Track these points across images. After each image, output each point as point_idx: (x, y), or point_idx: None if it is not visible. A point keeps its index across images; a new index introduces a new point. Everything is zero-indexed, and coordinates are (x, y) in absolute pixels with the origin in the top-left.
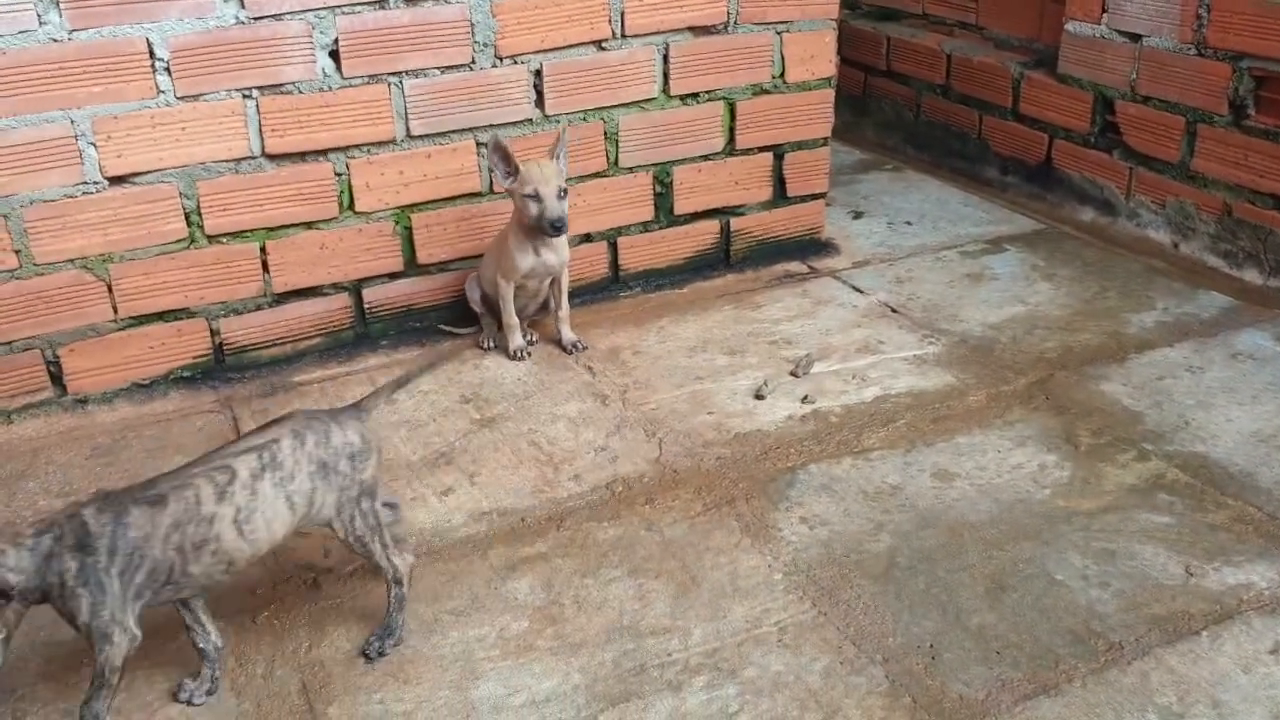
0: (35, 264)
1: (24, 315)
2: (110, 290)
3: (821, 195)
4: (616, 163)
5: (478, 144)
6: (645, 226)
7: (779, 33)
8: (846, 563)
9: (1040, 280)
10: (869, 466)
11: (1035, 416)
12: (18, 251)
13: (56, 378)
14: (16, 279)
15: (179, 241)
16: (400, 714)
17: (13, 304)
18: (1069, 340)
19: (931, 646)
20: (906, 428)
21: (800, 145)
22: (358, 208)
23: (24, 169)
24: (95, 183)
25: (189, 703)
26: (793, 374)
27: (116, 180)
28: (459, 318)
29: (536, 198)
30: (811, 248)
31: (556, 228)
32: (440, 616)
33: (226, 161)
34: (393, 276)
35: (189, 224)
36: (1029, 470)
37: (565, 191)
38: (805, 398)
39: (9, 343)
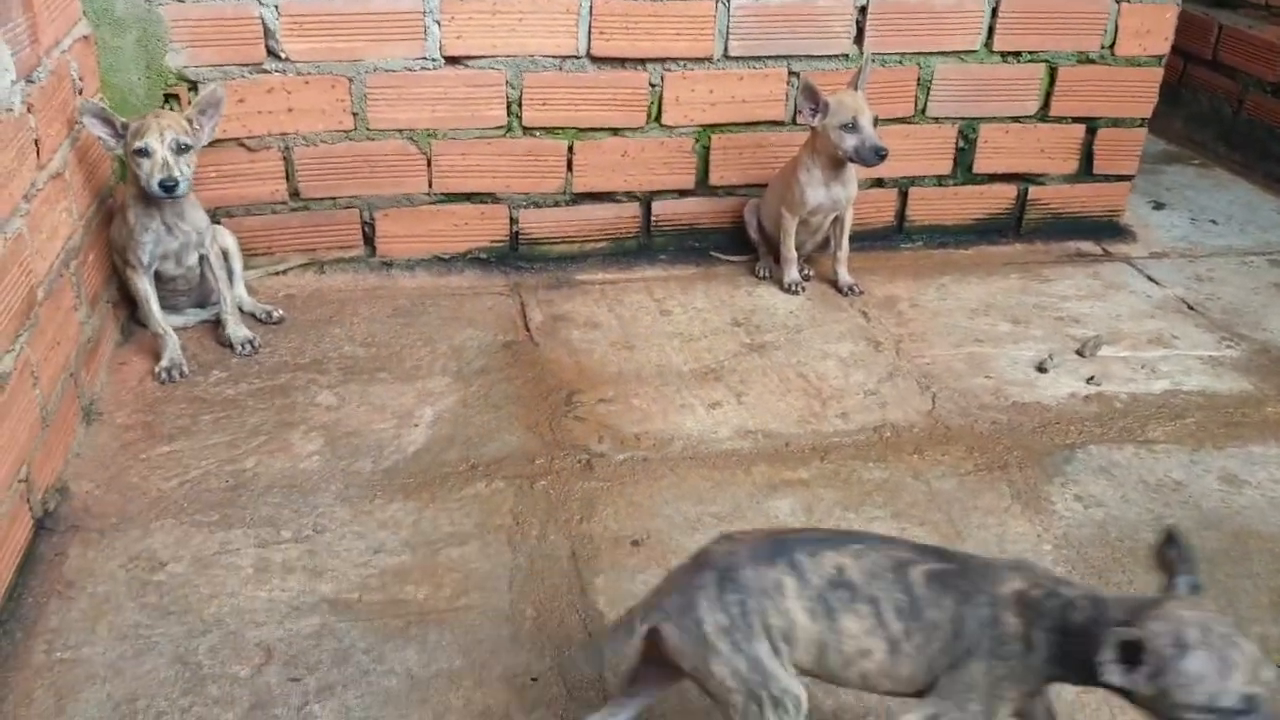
0: (368, 129)
1: (350, 175)
2: (429, 164)
3: (1129, 177)
4: (924, 111)
5: (790, 73)
6: (940, 180)
7: (1118, 1)
8: (1120, 547)
9: None
10: (1152, 458)
11: None
12: (355, 115)
13: (369, 239)
14: (350, 140)
15: (498, 128)
16: None
17: (343, 163)
18: None
19: None
20: (1195, 426)
21: (1116, 122)
22: (664, 121)
23: (375, 38)
24: (433, 60)
25: None
26: (1078, 353)
27: (452, 60)
28: (732, 244)
29: (853, 127)
30: (1108, 230)
31: (880, 155)
32: (703, 518)
33: (553, 58)
34: (682, 194)
35: (509, 113)
36: None
37: (877, 121)
38: (1091, 378)
39: (334, 198)
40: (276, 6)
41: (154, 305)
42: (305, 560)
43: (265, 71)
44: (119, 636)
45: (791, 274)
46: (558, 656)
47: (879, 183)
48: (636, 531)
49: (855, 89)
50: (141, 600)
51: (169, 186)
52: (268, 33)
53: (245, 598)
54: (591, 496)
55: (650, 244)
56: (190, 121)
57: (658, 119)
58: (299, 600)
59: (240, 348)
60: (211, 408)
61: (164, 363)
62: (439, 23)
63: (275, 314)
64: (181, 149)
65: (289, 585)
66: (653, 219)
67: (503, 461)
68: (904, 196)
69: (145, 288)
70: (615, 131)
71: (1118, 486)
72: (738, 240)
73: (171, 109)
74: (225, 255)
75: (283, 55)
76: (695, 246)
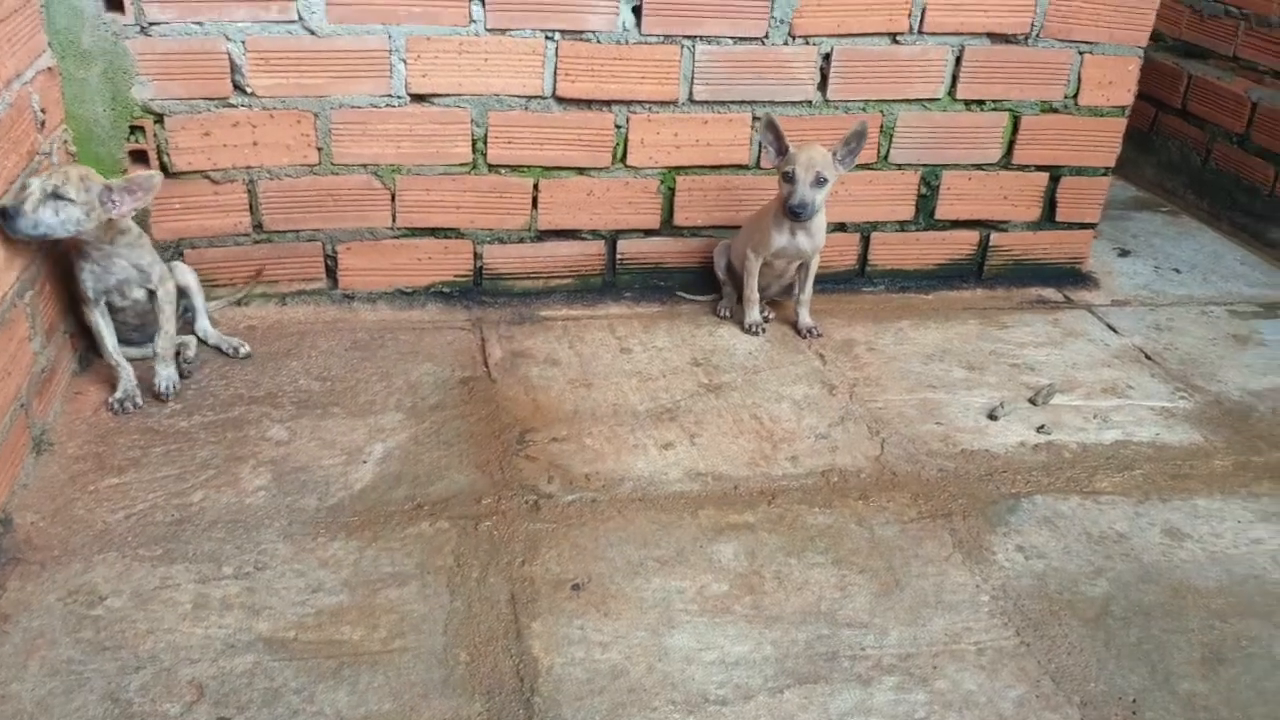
0: (333, 164)
1: (314, 209)
2: (393, 199)
3: (1092, 225)
4: (886, 157)
5: (754, 118)
6: (902, 226)
7: (1081, 52)
8: (1059, 600)
9: None
10: (1097, 509)
11: None
12: (320, 149)
13: (331, 271)
14: (314, 174)
15: (462, 165)
16: (598, 643)
17: (306, 197)
18: None
19: (1134, 701)
20: (1143, 478)
21: (1080, 171)
22: (629, 161)
23: (341, 74)
24: (399, 97)
25: None
26: (1031, 401)
27: (417, 98)
28: (698, 283)
29: (790, 178)
30: (1070, 277)
31: (795, 211)
32: (646, 561)
33: (519, 97)
34: (647, 233)
35: (474, 150)
36: (1270, 548)
37: (825, 181)
38: (1041, 427)
39: (297, 231)
40: (243, 42)
41: (106, 337)
42: (244, 597)
43: (231, 106)
44: (50, 672)
45: (752, 315)
46: (488, 702)
47: (841, 227)
48: (578, 575)
49: (834, 152)
50: (77, 635)
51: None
52: (234, 68)
53: (182, 634)
54: (536, 538)
55: (615, 282)
56: (110, 189)
57: (623, 160)
58: (235, 638)
59: (163, 388)
60: (163, 440)
61: (118, 394)
62: (405, 61)
63: (242, 350)
64: (54, 196)
65: (226, 622)
66: (618, 257)
67: (449, 501)
68: (866, 241)
69: (96, 319)
70: (581, 171)
71: (1060, 538)
72: (704, 280)
73: (136, 141)
74: (185, 292)
75: (249, 90)
76: (660, 285)
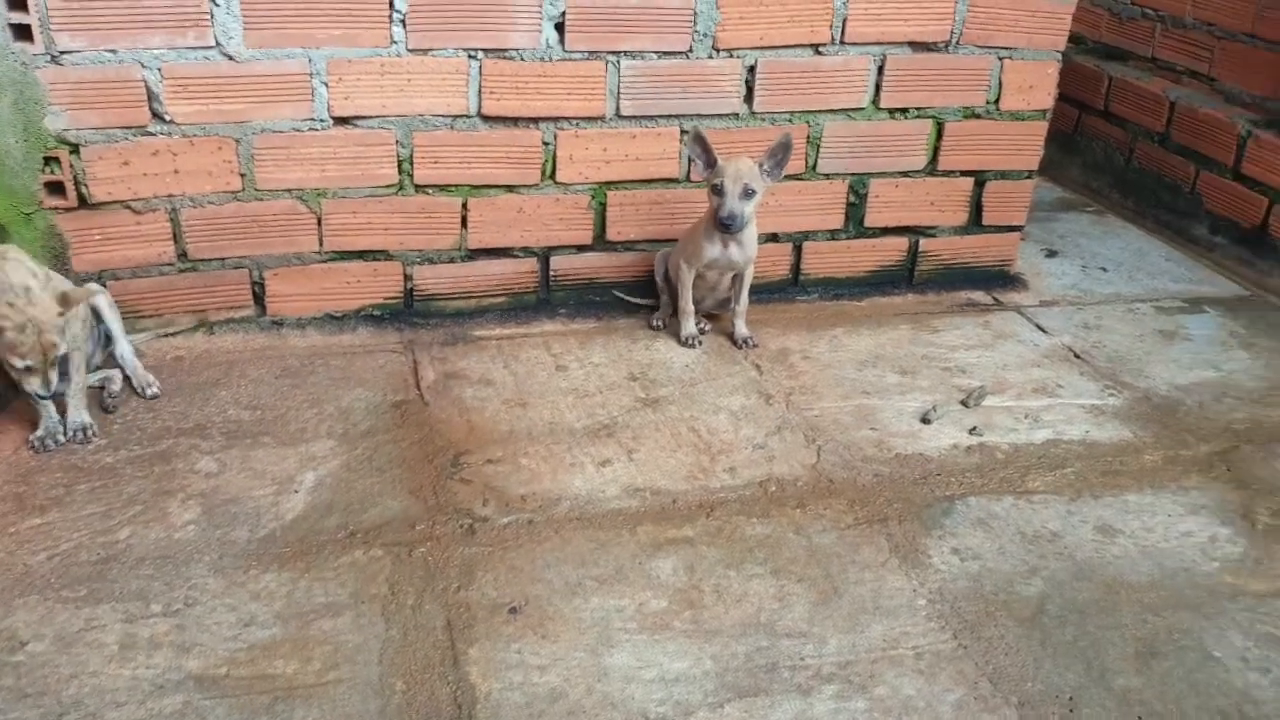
0: (256, 189)
1: (239, 236)
2: (319, 223)
3: (1018, 228)
4: (815, 167)
5: (681, 131)
6: (833, 234)
7: (1001, 58)
8: (994, 600)
9: (1238, 348)
10: (1030, 509)
11: (1213, 486)
12: (243, 175)
13: (259, 298)
14: (238, 200)
15: (389, 186)
16: (536, 667)
17: (231, 224)
18: (1260, 414)
19: (1071, 699)
20: (1074, 476)
21: (1004, 175)
22: (558, 178)
23: (261, 99)
24: (321, 120)
25: None
26: (963, 403)
27: (341, 121)
28: (636, 293)
29: (719, 191)
30: (999, 280)
31: (724, 223)
32: (584, 581)
33: (444, 117)
34: (580, 249)
35: (400, 171)
36: (1198, 540)
37: (753, 193)
38: (973, 429)
39: (223, 259)
40: (160, 69)
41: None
42: (174, 635)
43: (150, 134)
44: None
45: (688, 327)
46: None
47: (774, 237)
48: (516, 598)
49: (761, 164)
50: None
51: None
52: (151, 95)
53: (108, 676)
54: (471, 563)
55: (549, 299)
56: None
57: (553, 176)
58: (164, 678)
59: (70, 434)
60: (88, 476)
61: (39, 431)
62: (326, 84)
63: (149, 390)
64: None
65: (155, 662)
66: (551, 274)
67: (383, 528)
68: (799, 250)
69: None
70: (510, 188)
71: (995, 538)
72: (642, 291)
73: (52, 172)
74: (98, 315)
75: (168, 118)
76: (595, 301)
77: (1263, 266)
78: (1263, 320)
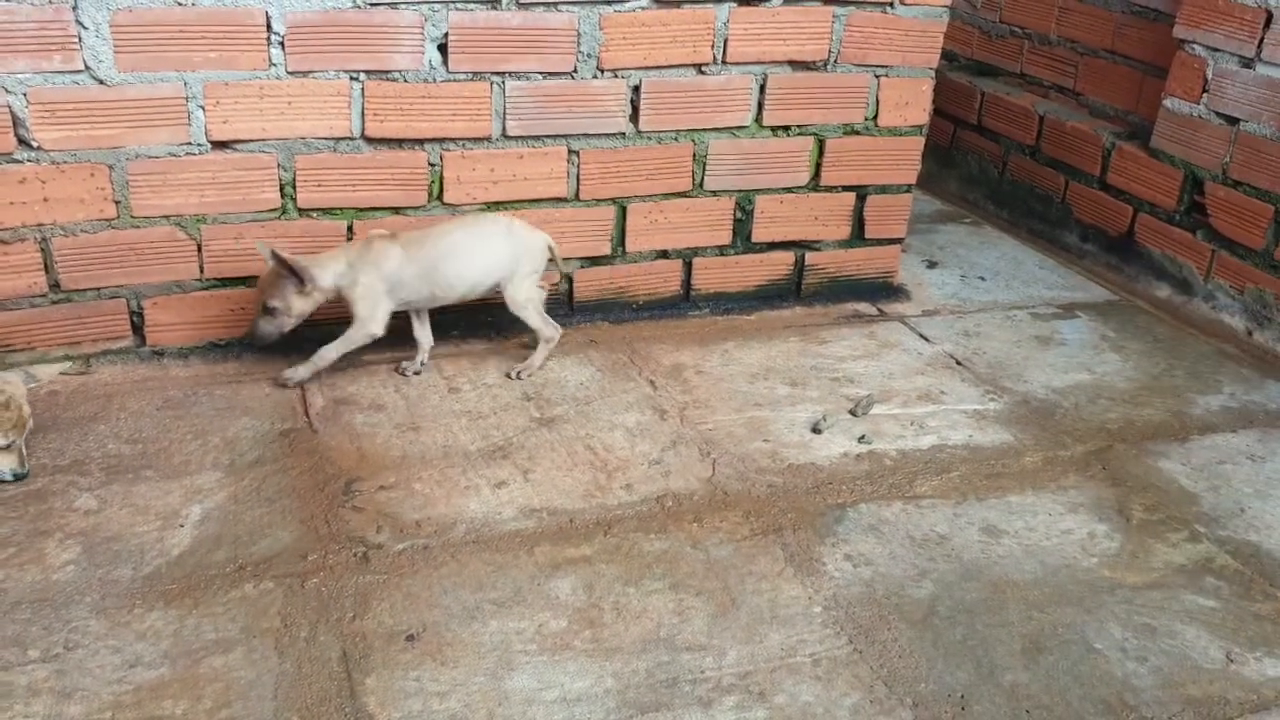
0: (132, 216)
1: (116, 264)
2: (200, 250)
3: (899, 240)
4: (701, 185)
5: (570, 151)
6: (721, 250)
7: (877, 76)
8: (887, 604)
9: (1109, 351)
10: (919, 513)
11: (1090, 485)
12: (118, 203)
13: (138, 328)
14: (113, 228)
15: (271, 211)
16: (435, 694)
17: (106, 252)
18: (1132, 414)
19: (963, 697)
20: (960, 480)
21: (884, 189)
22: (446, 199)
23: (135, 124)
24: (199, 145)
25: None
26: (851, 413)
27: (219, 145)
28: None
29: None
30: (883, 291)
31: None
32: (482, 605)
33: (326, 139)
34: None
35: (283, 195)
36: (1078, 537)
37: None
38: (862, 437)
39: (99, 289)
40: (25, 94)
41: None
42: (53, 681)
43: (16, 161)
44: None
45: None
46: None
47: (664, 254)
48: (412, 625)
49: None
50: None
51: None
52: (16, 121)
53: None
54: (366, 591)
55: (440, 320)
56: None
57: (439, 198)
58: None
59: None
60: None
61: None
62: (204, 108)
63: None
64: None
65: (34, 710)
66: None
67: (273, 560)
68: (689, 267)
69: None
70: (397, 210)
71: (886, 544)
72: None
73: None
74: None
75: (34, 144)
76: (488, 322)
77: (1130, 272)
78: (1132, 324)
